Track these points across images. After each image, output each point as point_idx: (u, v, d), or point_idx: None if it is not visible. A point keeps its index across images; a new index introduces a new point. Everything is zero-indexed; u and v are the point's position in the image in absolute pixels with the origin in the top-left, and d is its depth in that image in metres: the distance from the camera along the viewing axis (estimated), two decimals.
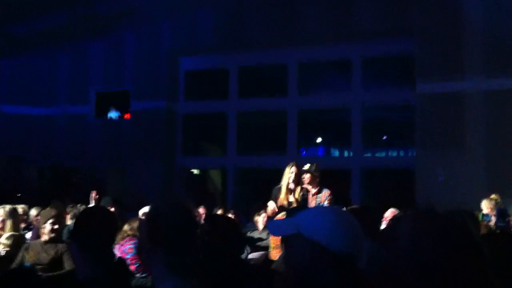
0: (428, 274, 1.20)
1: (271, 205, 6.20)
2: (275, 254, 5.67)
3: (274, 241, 5.79)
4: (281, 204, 6.13)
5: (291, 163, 6.37)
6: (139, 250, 4.97)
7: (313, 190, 6.37)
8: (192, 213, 2.08)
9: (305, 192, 6.33)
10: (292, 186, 6.14)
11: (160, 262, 1.99)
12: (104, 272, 2.32)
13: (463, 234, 1.27)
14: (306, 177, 6.37)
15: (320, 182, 6.51)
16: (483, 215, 5.31)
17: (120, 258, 5.03)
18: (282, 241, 1.72)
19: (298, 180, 6.22)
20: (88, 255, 2.34)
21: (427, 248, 1.22)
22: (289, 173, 6.20)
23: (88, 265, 2.33)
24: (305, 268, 1.57)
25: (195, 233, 2.06)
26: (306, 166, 6.44)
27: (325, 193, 6.38)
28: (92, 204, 6.58)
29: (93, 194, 6.79)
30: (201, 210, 8.74)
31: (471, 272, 1.20)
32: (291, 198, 6.14)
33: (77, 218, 2.56)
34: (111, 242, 2.53)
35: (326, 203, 6.20)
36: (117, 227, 2.73)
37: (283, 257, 1.76)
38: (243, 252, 5.92)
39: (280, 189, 6.26)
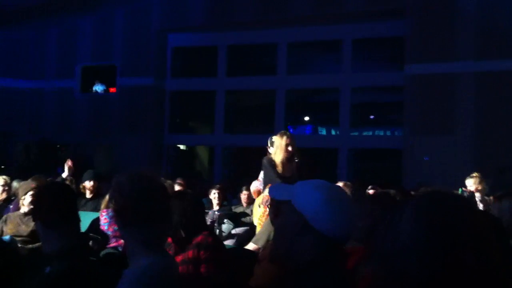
0: (433, 267, 1.07)
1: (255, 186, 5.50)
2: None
3: (258, 219, 5.21)
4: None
5: (283, 132, 5.36)
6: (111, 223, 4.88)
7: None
8: (159, 187, 2.04)
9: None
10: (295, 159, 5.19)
11: (132, 238, 1.96)
12: (69, 246, 2.29)
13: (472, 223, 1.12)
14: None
15: None
16: (463, 191, 5.28)
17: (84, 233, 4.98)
18: (277, 204, 1.71)
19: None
20: (51, 230, 2.32)
21: (432, 239, 1.09)
22: (285, 144, 5.19)
23: (52, 239, 2.31)
24: (288, 238, 1.56)
25: (166, 208, 2.04)
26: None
27: None
28: (66, 173, 6.25)
29: (69, 163, 6.34)
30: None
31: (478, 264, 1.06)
32: (288, 173, 5.20)
33: (35, 194, 2.51)
34: (73, 216, 2.48)
35: None
36: (75, 201, 2.67)
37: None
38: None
39: (273, 162, 5.23)
